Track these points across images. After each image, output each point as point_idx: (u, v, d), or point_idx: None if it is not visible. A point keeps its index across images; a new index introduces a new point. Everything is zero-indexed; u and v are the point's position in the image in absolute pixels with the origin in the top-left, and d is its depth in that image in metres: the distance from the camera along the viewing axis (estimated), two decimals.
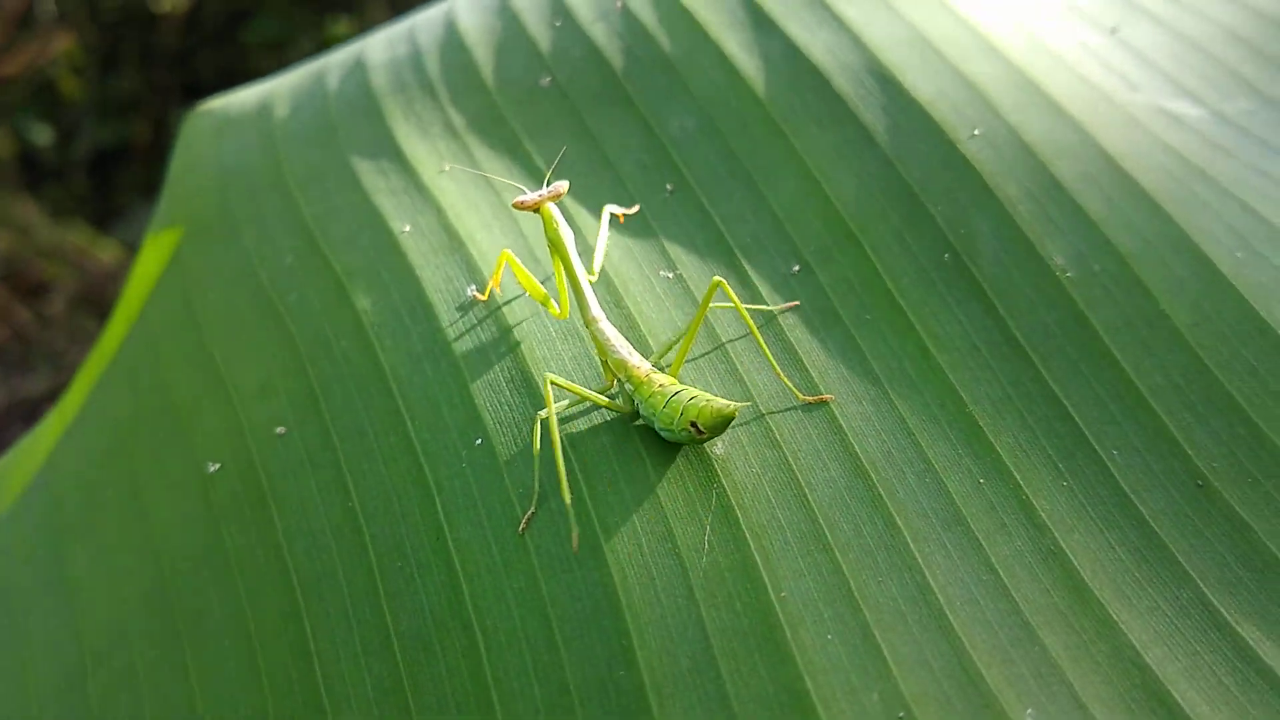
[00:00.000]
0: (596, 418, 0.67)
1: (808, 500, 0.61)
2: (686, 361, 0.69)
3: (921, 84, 0.81)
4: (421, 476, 0.66)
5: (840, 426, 0.65)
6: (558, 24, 0.92)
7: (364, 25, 3.76)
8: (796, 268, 0.74)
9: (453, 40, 0.94)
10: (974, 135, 0.78)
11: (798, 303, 0.71)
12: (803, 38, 0.86)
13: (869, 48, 0.84)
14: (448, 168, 0.83)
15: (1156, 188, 0.74)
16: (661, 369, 0.67)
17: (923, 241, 0.73)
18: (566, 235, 0.70)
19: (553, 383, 0.65)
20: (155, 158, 3.77)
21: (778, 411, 0.66)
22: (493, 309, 0.73)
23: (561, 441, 0.64)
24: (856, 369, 0.68)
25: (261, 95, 0.98)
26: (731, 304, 0.69)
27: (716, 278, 0.68)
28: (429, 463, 0.67)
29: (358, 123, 0.89)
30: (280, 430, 0.72)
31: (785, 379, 0.68)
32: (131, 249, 3.56)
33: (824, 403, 0.66)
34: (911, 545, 0.60)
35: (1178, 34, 0.91)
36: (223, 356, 0.78)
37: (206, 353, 0.79)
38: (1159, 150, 0.77)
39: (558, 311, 0.71)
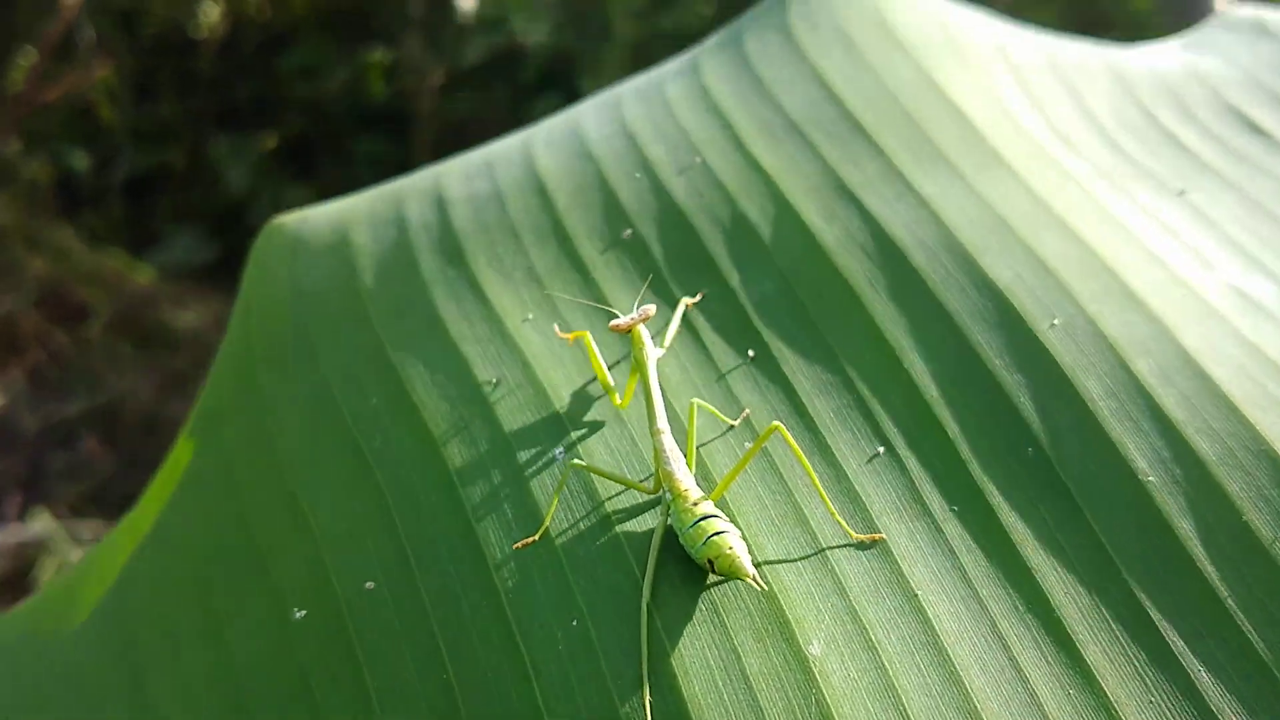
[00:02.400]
0: (696, 611, 0.67)
1: (906, 711, 0.62)
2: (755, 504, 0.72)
3: (998, 266, 0.83)
4: (518, 655, 0.67)
5: (933, 627, 0.66)
6: (637, 175, 0.93)
7: (399, 56, 3.77)
8: (881, 449, 0.75)
9: (532, 182, 0.95)
10: (1053, 325, 0.79)
11: (882, 536, 0.71)
12: (881, 210, 0.87)
13: (946, 224, 0.86)
14: (530, 317, 0.84)
15: (1234, 388, 0.75)
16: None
17: (1006, 432, 0.74)
18: (651, 355, 0.76)
19: (581, 468, 0.74)
20: (190, 183, 3.79)
21: (868, 603, 0.67)
22: (584, 482, 0.74)
23: (650, 630, 0.66)
24: (946, 564, 0.69)
25: (338, 215, 0.98)
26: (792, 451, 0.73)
27: (775, 423, 0.71)
28: (524, 641, 0.67)
29: (439, 260, 0.90)
30: (370, 585, 0.72)
31: (838, 516, 0.70)
32: (167, 274, 3.58)
33: (877, 541, 0.69)
34: None
35: (1244, 195, 0.93)
36: (305, 495, 0.79)
37: (288, 490, 0.79)
38: (1234, 344, 0.78)
39: (619, 401, 0.77)
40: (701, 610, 0.67)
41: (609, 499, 0.73)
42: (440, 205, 0.95)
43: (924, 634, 0.65)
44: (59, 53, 3.50)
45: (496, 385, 0.80)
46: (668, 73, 1.06)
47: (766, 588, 0.67)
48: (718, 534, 0.66)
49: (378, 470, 0.78)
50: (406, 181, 1.01)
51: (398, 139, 3.87)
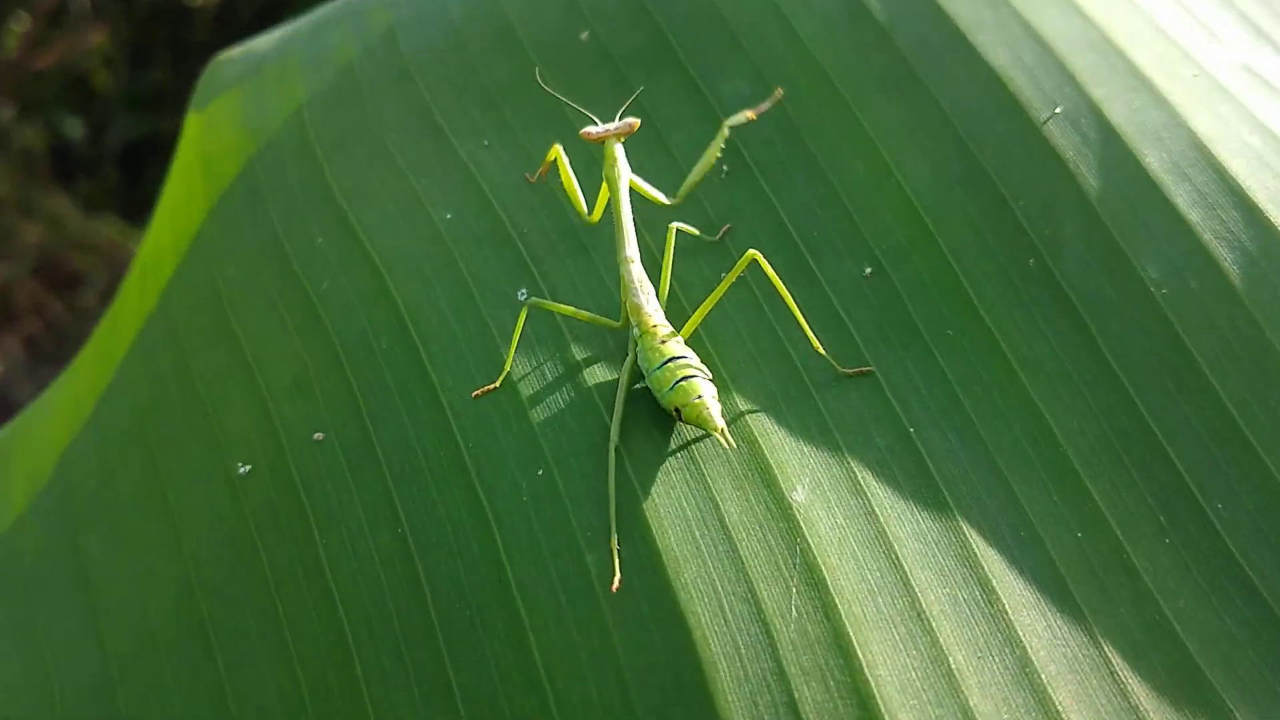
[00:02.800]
0: (669, 457, 0.62)
1: (899, 560, 0.57)
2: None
3: (995, 45, 0.75)
4: (478, 506, 0.62)
5: (928, 468, 0.61)
6: None
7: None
8: (869, 270, 0.69)
9: None
10: (1055, 113, 0.71)
11: (871, 369, 0.65)
12: None
13: (937, 1, 0.77)
14: (487, 143, 0.77)
15: (1254, 183, 0.68)
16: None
17: (1005, 243, 0.68)
18: (623, 174, 0.69)
19: (541, 305, 0.67)
20: None
21: (856, 444, 0.62)
22: (548, 322, 0.68)
23: (620, 477, 0.61)
24: (939, 395, 0.63)
25: (281, 43, 0.90)
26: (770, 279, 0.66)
27: (751, 251, 0.65)
28: (485, 491, 0.62)
29: (386, 84, 0.83)
30: (318, 436, 0.67)
31: (822, 349, 0.65)
32: None
33: (865, 374, 0.64)
34: (1010, 614, 0.56)
35: None
36: (250, 344, 0.73)
37: (232, 337, 0.74)
38: (1250, 130, 0.71)
39: (586, 214, 0.71)
40: (677, 457, 0.61)
41: (575, 340, 0.68)
42: (385, 23, 0.87)
43: (918, 474, 0.60)
44: (53, 19, 3.49)
45: (451, 219, 0.74)
46: None
47: (734, 445, 0.62)
48: (686, 378, 0.61)
49: (325, 314, 0.72)
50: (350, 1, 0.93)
51: None
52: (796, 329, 0.66)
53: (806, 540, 0.58)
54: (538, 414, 0.64)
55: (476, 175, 0.76)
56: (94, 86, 3.66)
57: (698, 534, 0.58)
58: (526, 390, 0.65)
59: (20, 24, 3.35)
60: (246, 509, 0.67)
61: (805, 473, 0.60)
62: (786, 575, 0.56)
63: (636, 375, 0.65)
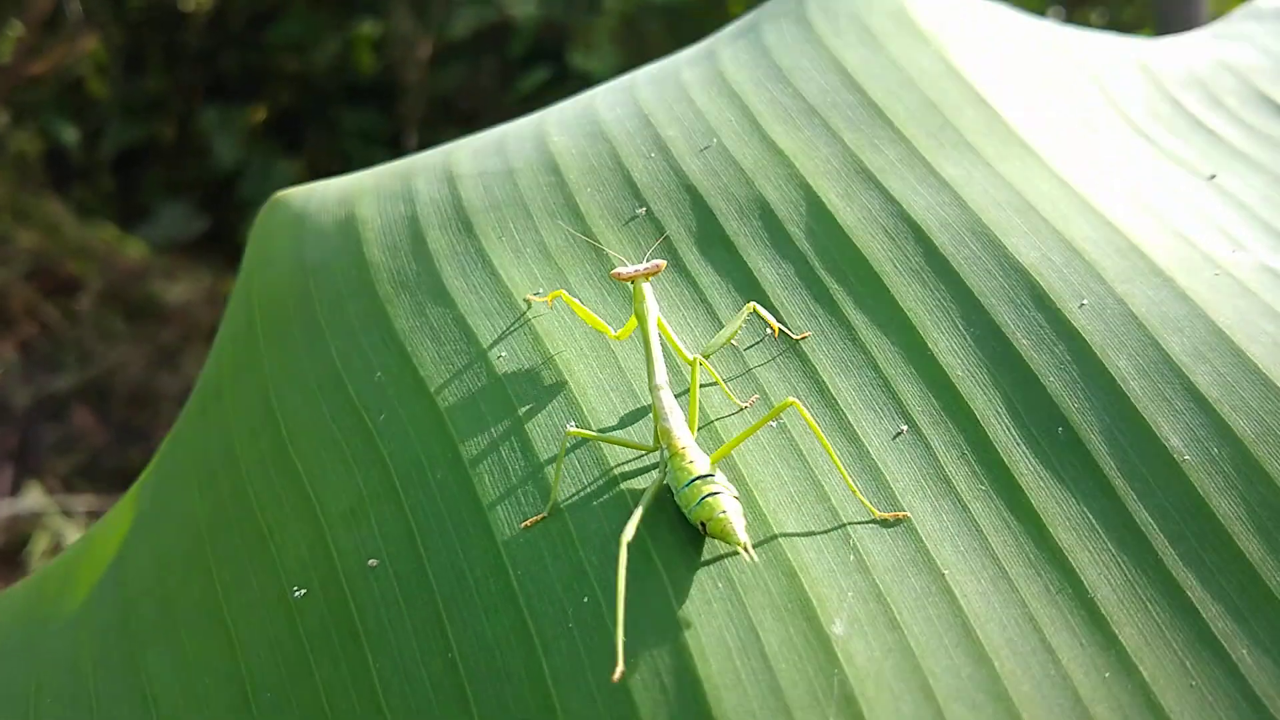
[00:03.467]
0: (712, 587, 0.64)
1: (932, 693, 0.60)
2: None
3: (1025, 248, 0.81)
4: (526, 633, 0.64)
5: (960, 608, 0.63)
6: (652, 155, 0.91)
7: (388, 29, 3.75)
8: (904, 427, 0.72)
9: (544, 160, 0.93)
10: (1082, 305, 0.77)
11: (907, 515, 0.69)
12: (902, 192, 0.85)
13: (969, 207, 0.84)
14: (541, 291, 0.82)
15: (1271, 364, 0.73)
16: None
17: (1035, 413, 0.72)
18: (652, 309, 0.74)
19: (577, 435, 0.72)
20: (180, 157, 3.77)
21: (893, 582, 0.64)
22: (593, 452, 0.72)
23: (661, 604, 0.63)
24: (974, 544, 0.67)
25: (344, 190, 0.96)
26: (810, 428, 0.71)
27: (790, 399, 0.70)
28: (533, 619, 0.65)
29: (448, 234, 0.88)
30: (373, 563, 0.70)
31: (859, 493, 0.68)
32: (156, 247, 3.57)
33: (901, 520, 0.67)
34: None
35: (1275, 177, 0.91)
36: (308, 471, 0.76)
37: (290, 464, 0.77)
38: (1269, 320, 0.76)
39: (613, 334, 0.76)
40: (719, 587, 0.64)
41: (618, 467, 0.71)
42: (449, 181, 0.93)
43: (951, 614, 0.63)
44: (47, 26, 3.48)
45: (504, 358, 0.78)
46: (683, 59, 1.04)
47: (756, 560, 0.65)
48: (711, 494, 0.65)
49: (383, 445, 0.75)
50: (416, 159, 0.99)
51: (386, 111, 3.86)
52: (833, 475, 0.70)
53: (844, 672, 0.60)
54: (583, 542, 0.67)
55: (531, 319, 0.81)
56: (88, 93, 3.65)
57: (738, 663, 0.60)
58: (574, 518, 0.68)
59: (14, 31, 3.34)
60: (302, 632, 0.70)
61: (844, 607, 0.63)
62: (824, 706, 0.58)
63: (665, 493, 0.68)
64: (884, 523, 0.68)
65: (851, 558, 0.66)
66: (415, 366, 0.79)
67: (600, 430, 0.74)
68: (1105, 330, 0.75)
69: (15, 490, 2.95)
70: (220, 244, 3.86)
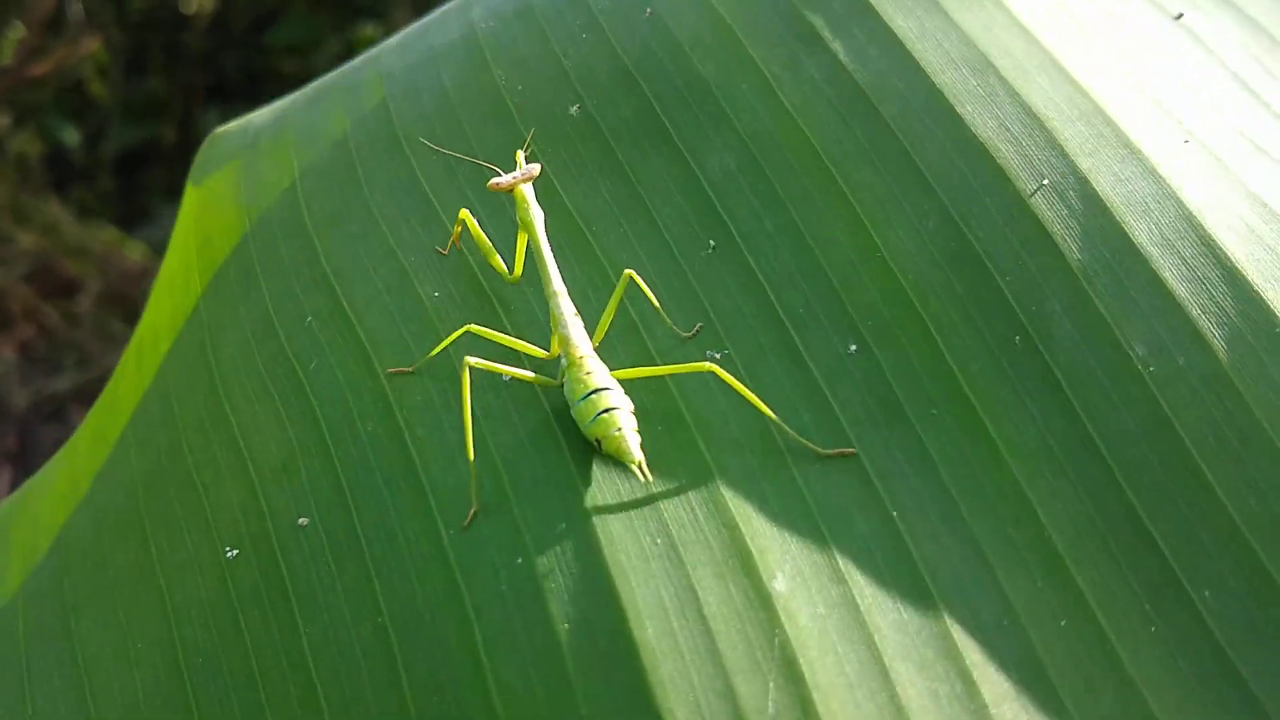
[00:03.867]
0: (650, 544, 0.61)
1: (879, 652, 0.57)
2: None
3: (982, 116, 0.74)
4: (458, 596, 0.61)
5: (910, 554, 0.60)
6: (585, 37, 0.85)
7: (389, 30, 3.74)
8: (854, 347, 0.68)
9: (473, 57, 0.87)
10: (1042, 186, 0.71)
11: (854, 451, 0.65)
12: (848, 56, 0.79)
13: (923, 69, 0.77)
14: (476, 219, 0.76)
15: (1244, 256, 0.67)
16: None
17: (991, 320, 0.67)
18: (537, 215, 0.72)
19: (472, 366, 0.67)
20: (180, 159, 3.77)
21: (839, 528, 0.61)
22: (518, 395, 0.68)
23: (595, 563, 0.60)
24: (925, 477, 0.62)
25: (277, 116, 0.91)
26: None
27: (709, 364, 0.66)
28: (465, 581, 0.61)
29: (379, 157, 0.83)
30: (303, 521, 0.67)
31: (799, 438, 0.64)
32: (157, 251, 3.57)
33: (848, 455, 0.63)
34: (990, 708, 0.55)
35: (1243, 14, 0.84)
36: (241, 425, 0.73)
37: (224, 417, 0.74)
38: (1243, 200, 0.70)
39: (508, 273, 0.73)
40: (656, 544, 0.60)
41: (557, 414, 0.67)
42: (379, 94, 0.87)
43: (899, 561, 0.59)
44: (48, 27, 3.49)
45: (439, 296, 0.74)
46: None
47: (650, 478, 0.63)
48: (608, 410, 0.63)
49: (313, 395, 0.72)
50: (347, 68, 0.94)
51: None
52: (782, 410, 0.65)
53: (786, 632, 0.57)
54: (518, 499, 0.64)
55: (465, 251, 0.76)
56: (89, 94, 3.67)
57: (676, 626, 0.57)
58: (510, 477, 0.65)
59: (15, 32, 3.35)
60: (234, 594, 0.67)
61: (786, 559, 0.59)
62: (765, 669, 0.56)
63: (562, 404, 0.67)
64: (829, 458, 0.64)
65: (796, 504, 0.62)
66: (345, 309, 0.75)
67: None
68: (1066, 216, 0.69)
69: (13, 491, 2.98)
70: None
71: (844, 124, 0.76)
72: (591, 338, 0.69)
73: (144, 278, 3.52)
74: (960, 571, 0.59)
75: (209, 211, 0.87)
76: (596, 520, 0.61)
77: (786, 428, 0.64)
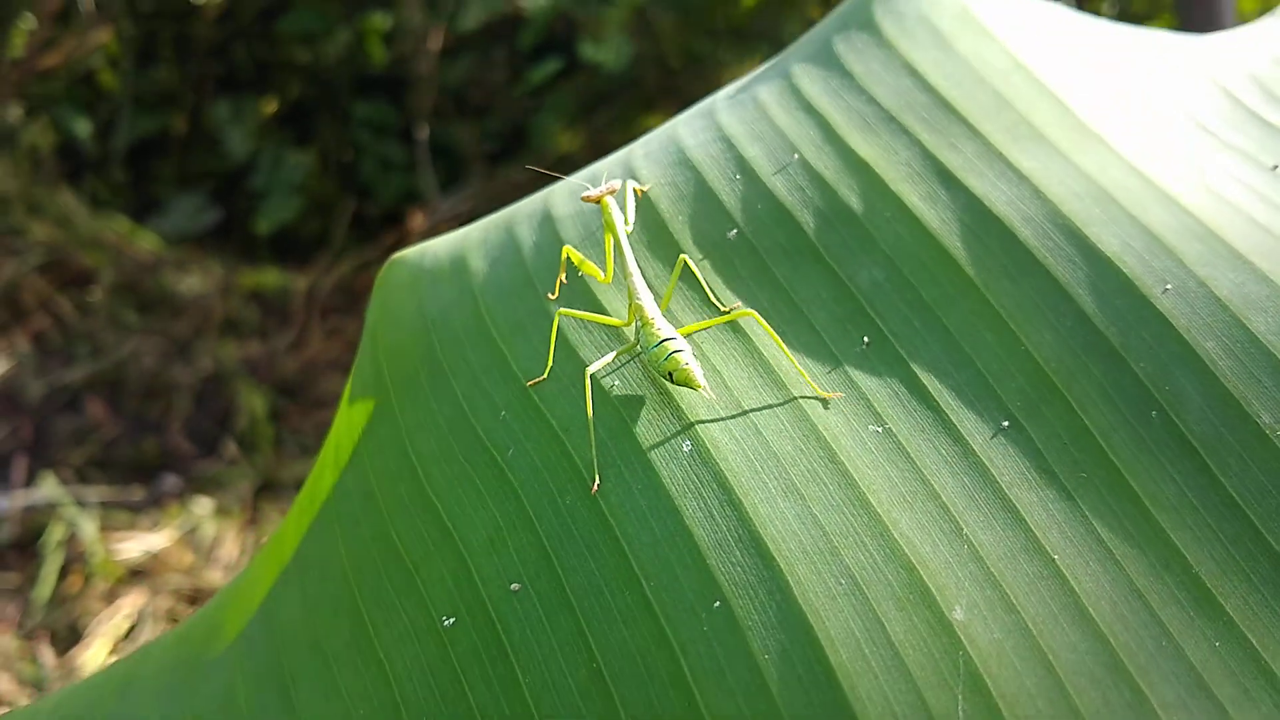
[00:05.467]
0: (839, 583, 0.69)
1: (1053, 668, 0.64)
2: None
3: (1106, 236, 0.84)
4: (664, 638, 0.69)
5: (1072, 589, 0.68)
6: (737, 178, 0.95)
7: (399, 21, 3.75)
8: (1006, 423, 0.77)
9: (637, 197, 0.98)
10: (1166, 290, 0.80)
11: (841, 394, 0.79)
12: (983, 190, 0.89)
13: (1049, 200, 0.87)
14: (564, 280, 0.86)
15: None
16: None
17: (1128, 398, 0.76)
18: (617, 217, 0.90)
19: (563, 314, 0.87)
20: (191, 148, 3.79)
21: (1006, 569, 0.69)
22: (709, 463, 0.76)
23: (783, 605, 0.68)
24: (1080, 528, 0.71)
25: (453, 247, 1.02)
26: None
27: (749, 309, 0.84)
28: (670, 625, 0.70)
29: (553, 277, 0.93)
30: (515, 587, 0.75)
31: (803, 371, 0.80)
32: (169, 241, 3.59)
33: (835, 399, 0.79)
34: (1160, 714, 0.63)
35: None
36: (446, 508, 0.82)
37: (429, 502, 0.83)
38: None
39: (603, 278, 0.90)
40: (841, 583, 0.69)
41: (733, 477, 0.75)
42: (549, 223, 0.98)
43: (1064, 595, 0.67)
44: (59, 19, 3.49)
45: (617, 386, 0.83)
46: (758, 78, 1.08)
47: (714, 397, 0.79)
48: (675, 351, 0.80)
49: (513, 477, 0.81)
50: (516, 206, 1.04)
51: (397, 103, 3.89)
52: (939, 472, 0.75)
53: (968, 653, 0.65)
54: (712, 551, 0.72)
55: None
56: (100, 85, 3.65)
57: (867, 651, 0.65)
58: (696, 529, 0.73)
59: (27, 24, 3.35)
60: (454, 657, 0.75)
61: (962, 595, 0.67)
62: (952, 684, 0.63)
63: (633, 354, 0.84)
64: (826, 402, 0.78)
65: (965, 548, 0.70)
66: (536, 402, 0.84)
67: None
68: (1190, 313, 0.79)
69: (30, 481, 3.01)
70: (232, 236, 3.90)
71: (981, 244, 0.86)
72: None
73: (156, 267, 3.54)
74: (1118, 603, 0.67)
75: (393, 326, 0.97)
76: (782, 564, 0.70)
77: (800, 368, 0.80)
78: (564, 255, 0.92)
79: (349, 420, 0.94)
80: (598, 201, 0.92)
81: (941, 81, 0.97)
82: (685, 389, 0.80)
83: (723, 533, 0.73)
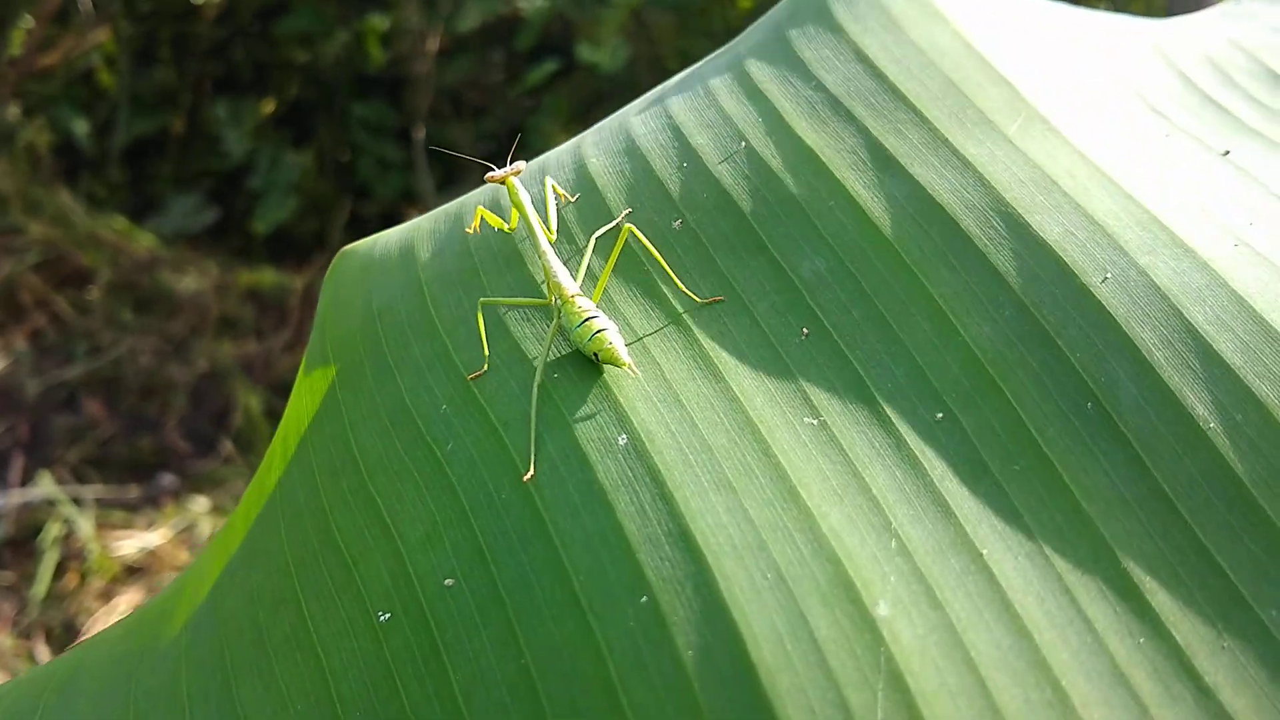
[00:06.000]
0: (762, 578, 0.68)
1: (975, 665, 0.63)
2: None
3: (1049, 224, 0.83)
4: (590, 635, 0.69)
5: (999, 584, 0.67)
6: (685, 165, 0.95)
7: (396, 22, 3.76)
8: (940, 415, 0.76)
9: (584, 182, 0.98)
10: (1105, 279, 0.79)
11: (723, 299, 0.83)
12: (927, 177, 0.88)
13: (994, 187, 0.86)
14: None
15: None
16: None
17: (1064, 389, 0.75)
18: (524, 195, 0.91)
19: (485, 304, 0.87)
20: (189, 148, 3.80)
21: (933, 563, 0.68)
22: (643, 456, 0.75)
23: (708, 599, 0.67)
24: (1010, 522, 0.70)
25: (404, 236, 1.01)
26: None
27: (627, 225, 0.85)
28: (596, 620, 0.69)
29: (499, 265, 0.93)
30: (449, 582, 0.75)
31: (684, 287, 0.84)
32: (166, 241, 3.61)
33: (716, 303, 0.83)
34: (1080, 711, 0.62)
35: None
36: (386, 503, 0.81)
37: (370, 498, 0.82)
38: None
39: (506, 227, 0.93)
40: (767, 579, 0.68)
41: (666, 471, 0.74)
42: (498, 211, 0.98)
43: (990, 590, 0.67)
44: (57, 18, 3.50)
45: (556, 378, 0.83)
46: (709, 65, 1.07)
47: (639, 374, 0.79)
48: (599, 330, 0.80)
49: (452, 473, 0.80)
50: (466, 197, 1.04)
51: (394, 104, 3.90)
52: (875, 469, 0.74)
53: (890, 650, 0.64)
54: (641, 547, 0.71)
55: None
56: (99, 85, 3.67)
57: (790, 647, 0.64)
58: (628, 524, 0.72)
59: (25, 23, 3.36)
60: (388, 653, 0.75)
61: (887, 590, 0.67)
62: (872, 681, 0.63)
63: (560, 335, 0.83)
64: (707, 305, 0.83)
65: (893, 543, 0.69)
66: (475, 395, 0.84)
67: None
68: (1129, 302, 0.78)
69: (27, 479, 3.03)
70: (229, 235, 3.92)
71: (923, 232, 0.85)
72: (592, 294, 0.86)
73: (154, 266, 3.55)
74: (1045, 598, 0.66)
75: (342, 317, 0.97)
76: (711, 559, 0.69)
77: (682, 285, 0.83)
78: (478, 215, 0.94)
79: (297, 412, 0.94)
80: (502, 182, 0.93)
81: (891, 66, 0.97)
82: (612, 366, 0.81)
83: (654, 528, 0.72)
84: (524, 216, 0.91)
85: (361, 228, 3.92)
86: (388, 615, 0.76)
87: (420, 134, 3.82)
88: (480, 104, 3.98)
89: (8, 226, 3.34)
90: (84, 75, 3.57)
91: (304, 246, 3.93)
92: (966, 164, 0.88)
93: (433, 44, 3.78)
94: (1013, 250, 0.82)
